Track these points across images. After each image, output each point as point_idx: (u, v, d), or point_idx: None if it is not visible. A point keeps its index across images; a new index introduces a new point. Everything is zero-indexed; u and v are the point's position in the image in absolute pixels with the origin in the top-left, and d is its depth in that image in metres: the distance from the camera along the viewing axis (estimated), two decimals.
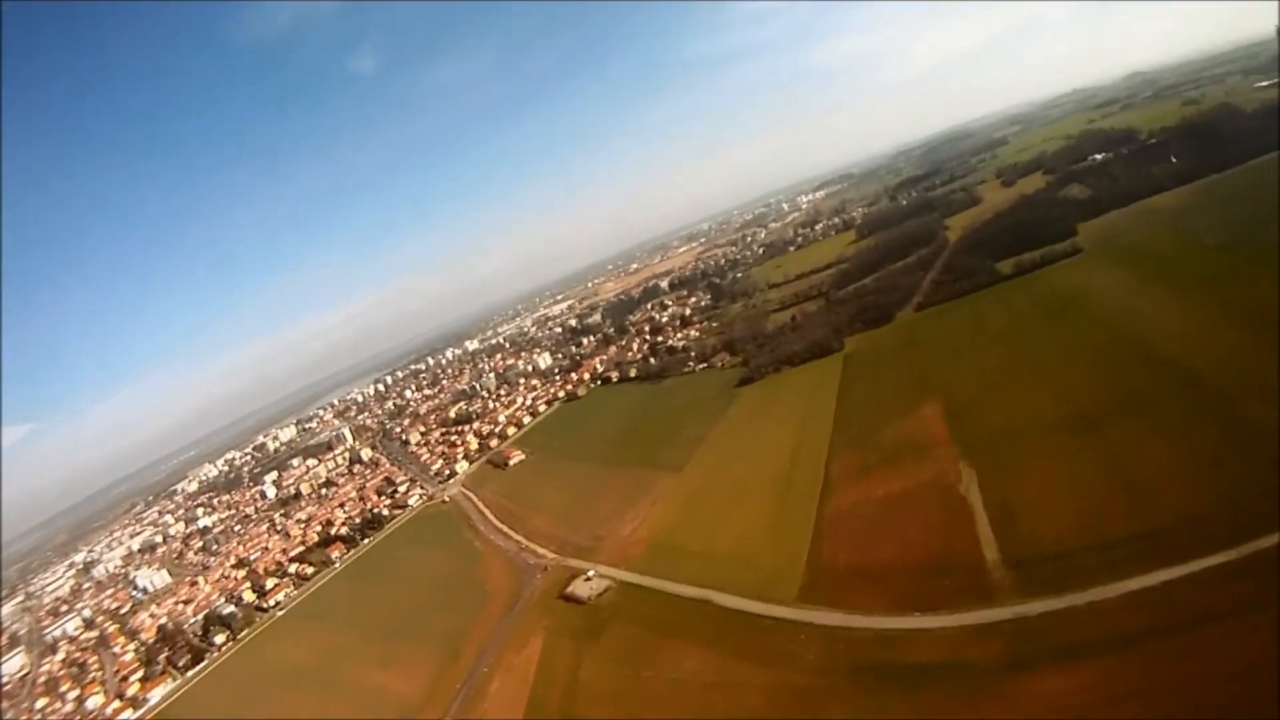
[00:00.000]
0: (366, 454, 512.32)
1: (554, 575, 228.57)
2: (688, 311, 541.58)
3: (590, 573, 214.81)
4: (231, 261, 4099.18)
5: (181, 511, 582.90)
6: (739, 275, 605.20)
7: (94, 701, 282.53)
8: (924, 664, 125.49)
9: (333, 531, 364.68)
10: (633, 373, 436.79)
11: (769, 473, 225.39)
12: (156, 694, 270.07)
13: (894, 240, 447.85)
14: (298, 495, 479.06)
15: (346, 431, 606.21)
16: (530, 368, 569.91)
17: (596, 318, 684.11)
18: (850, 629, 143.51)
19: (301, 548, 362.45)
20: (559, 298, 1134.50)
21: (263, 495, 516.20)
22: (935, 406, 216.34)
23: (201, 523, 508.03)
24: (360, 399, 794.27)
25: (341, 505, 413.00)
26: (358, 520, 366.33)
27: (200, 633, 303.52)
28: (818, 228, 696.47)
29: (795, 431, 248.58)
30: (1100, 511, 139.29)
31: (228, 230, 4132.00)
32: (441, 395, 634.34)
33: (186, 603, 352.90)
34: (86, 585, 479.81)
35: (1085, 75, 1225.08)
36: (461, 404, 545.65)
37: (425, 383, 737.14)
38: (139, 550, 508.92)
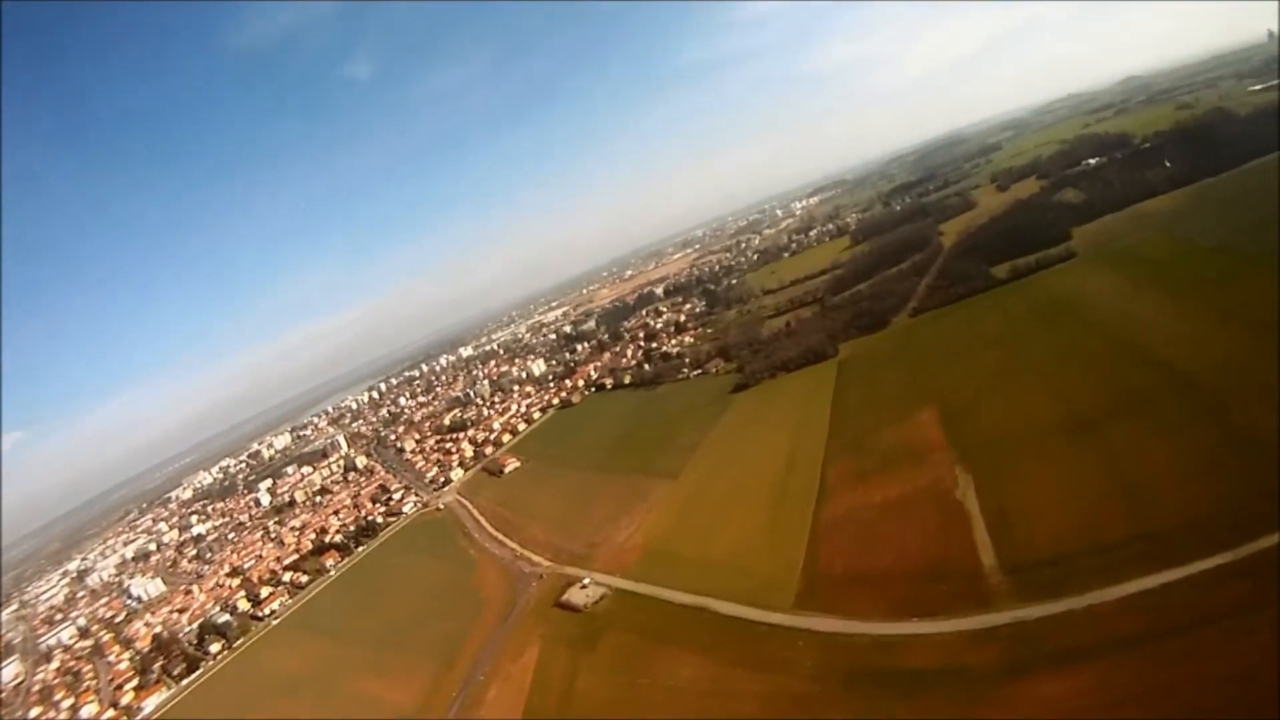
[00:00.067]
0: (361, 461, 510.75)
1: (549, 583, 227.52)
2: (682, 318, 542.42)
3: (586, 580, 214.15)
4: (226, 268, 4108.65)
5: (176, 519, 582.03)
6: (733, 281, 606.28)
7: (89, 710, 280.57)
8: (921, 670, 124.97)
9: (327, 539, 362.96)
10: (627, 379, 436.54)
11: (765, 479, 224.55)
12: (151, 703, 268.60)
13: (888, 246, 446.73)
14: (292, 503, 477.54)
15: (341, 439, 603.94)
16: (525, 374, 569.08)
17: (591, 324, 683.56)
18: (847, 635, 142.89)
19: (296, 556, 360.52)
20: (553, 304, 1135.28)
21: (257, 503, 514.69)
22: (931, 411, 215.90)
23: (196, 530, 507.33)
24: (355, 406, 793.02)
25: (336, 513, 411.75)
26: (352, 528, 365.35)
27: (195, 641, 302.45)
28: (812, 234, 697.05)
29: (791, 437, 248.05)
30: (1097, 515, 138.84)
31: (222, 236, 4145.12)
32: (436, 402, 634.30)
33: (181, 611, 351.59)
34: (81, 593, 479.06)
35: (1079, 80, 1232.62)
36: (456, 411, 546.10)
37: (420, 390, 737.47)
38: (133, 558, 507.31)
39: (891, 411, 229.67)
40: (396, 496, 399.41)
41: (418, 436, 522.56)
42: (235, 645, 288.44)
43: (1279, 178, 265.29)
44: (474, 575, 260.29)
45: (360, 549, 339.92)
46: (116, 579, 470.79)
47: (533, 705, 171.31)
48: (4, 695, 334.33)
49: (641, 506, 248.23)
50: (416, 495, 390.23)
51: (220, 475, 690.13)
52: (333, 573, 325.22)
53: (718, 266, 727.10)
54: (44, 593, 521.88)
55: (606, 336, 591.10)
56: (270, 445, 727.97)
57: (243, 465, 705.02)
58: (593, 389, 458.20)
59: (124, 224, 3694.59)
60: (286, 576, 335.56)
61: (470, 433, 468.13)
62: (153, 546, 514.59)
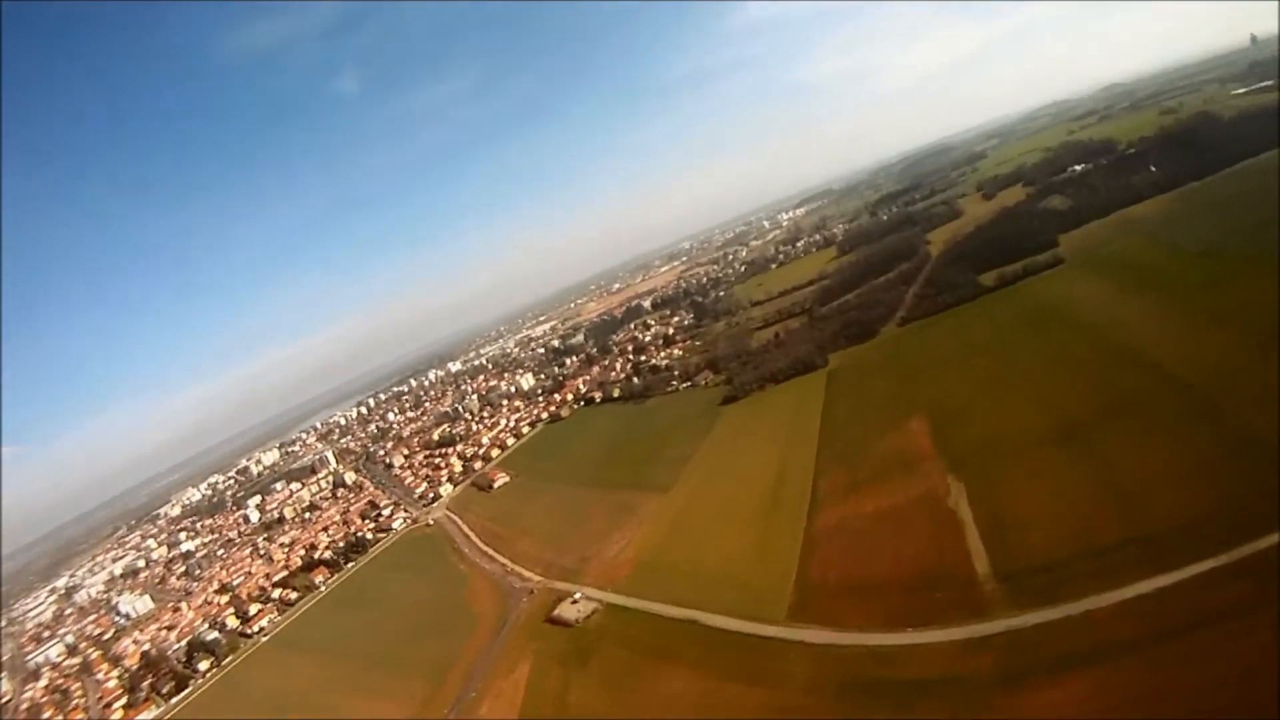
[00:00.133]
0: (350, 477, 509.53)
1: (540, 598, 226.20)
2: (670, 331, 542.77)
3: (577, 595, 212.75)
4: (214, 283, 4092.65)
5: (164, 536, 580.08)
6: (721, 293, 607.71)
7: None
8: (916, 680, 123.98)
9: (316, 556, 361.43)
10: (616, 393, 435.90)
11: (755, 491, 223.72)
12: None
13: (876, 255, 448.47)
14: (281, 519, 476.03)
15: (330, 455, 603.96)
16: (513, 389, 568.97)
17: (579, 338, 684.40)
18: (841, 646, 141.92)
19: (285, 572, 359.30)
20: (541, 318, 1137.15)
21: (246, 519, 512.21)
22: (921, 420, 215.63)
23: (184, 547, 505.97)
24: (343, 422, 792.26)
25: (325, 529, 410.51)
26: (341, 544, 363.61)
27: (184, 659, 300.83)
28: (799, 245, 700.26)
29: (781, 449, 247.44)
30: (1091, 520, 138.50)
31: (210, 251, 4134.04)
32: (425, 417, 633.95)
33: (170, 629, 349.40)
34: (69, 611, 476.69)
35: (1063, 88, 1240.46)
36: (445, 426, 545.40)
37: (408, 405, 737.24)
38: (121, 575, 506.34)
39: (881, 421, 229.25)
40: (386, 512, 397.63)
41: (406, 452, 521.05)
42: (224, 663, 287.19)
43: (1272, 178, 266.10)
44: (464, 591, 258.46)
45: (350, 565, 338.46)
46: (105, 596, 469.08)
47: None
48: None
49: (632, 520, 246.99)
50: (406, 511, 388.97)
51: (209, 492, 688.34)
52: (322, 589, 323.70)
53: (705, 279, 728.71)
54: (32, 610, 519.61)
55: (595, 350, 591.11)
56: (259, 461, 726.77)
57: (231, 481, 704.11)
58: (582, 403, 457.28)
59: (111, 239, 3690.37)
60: (275, 593, 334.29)
61: (459, 448, 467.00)
62: (141, 563, 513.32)
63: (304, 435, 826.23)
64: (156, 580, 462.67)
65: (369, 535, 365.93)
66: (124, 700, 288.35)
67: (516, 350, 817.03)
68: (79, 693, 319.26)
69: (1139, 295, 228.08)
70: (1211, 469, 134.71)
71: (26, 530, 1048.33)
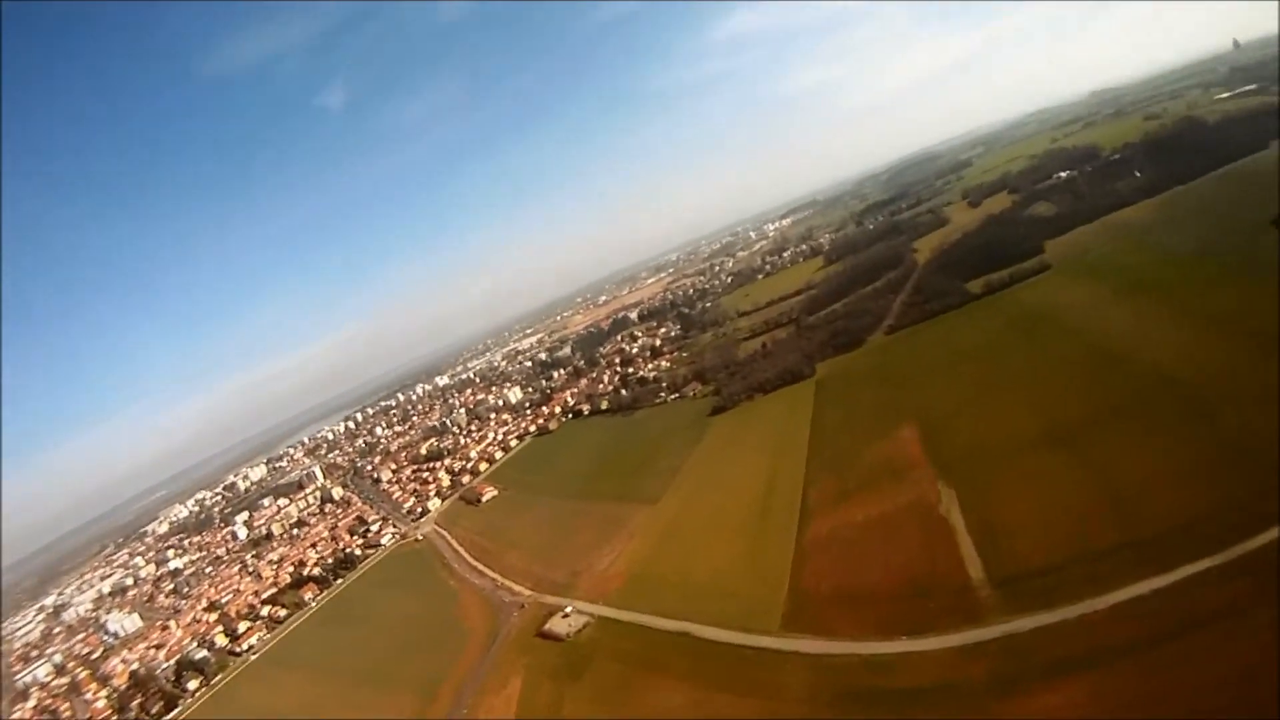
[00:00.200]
0: (338, 493, 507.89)
1: (531, 613, 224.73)
2: (658, 342, 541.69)
3: (568, 609, 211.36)
4: (200, 299, 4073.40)
5: (152, 553, 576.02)
6: (708, 304, 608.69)
7: None
8: (912, 688, 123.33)
9: (305, 572, 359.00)
10: (604, 405, 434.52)
11: (746, 501, 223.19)
12: None
13: (862, 264, 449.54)
14: (269, 536, 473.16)
15: (317, 470, 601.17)
16: (501, 402, 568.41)
17: (566, 351, 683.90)
18: (835, 656, 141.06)
19: (274, 589, 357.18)
20: (528, 331, 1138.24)
21: (234, 536, 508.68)
22: (911, 428, 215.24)
23: (172, 565, 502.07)
24: (331, 436, 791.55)
25: (314, 545, 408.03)
26: (330, 560, 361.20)
27: (173, 678, 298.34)
28: (785, 255, 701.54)
29: (770, 459, 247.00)
30: (1084, 524, 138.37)
31: (194, 267, 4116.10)
32: (412, 432, 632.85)
33: (158, 647, 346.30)
34: (57, 630, 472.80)
35: (1047, 96, 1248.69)
36: (433, 440, 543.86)
37: (396, 419, 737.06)
38: (109, 593, 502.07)
39: (871, 429, 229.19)
40: (374, 528, 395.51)
41: (394, 466, 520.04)
42: (213, 682, 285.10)
43: (1259, 181, 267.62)
44: (454, 606, 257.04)
45: (339, 581, 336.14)
46: (93, 615, 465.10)
47: None
48: None
49: (622, 533, 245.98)
50: (394, 526, 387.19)
51: (196, 508, 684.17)
52: (312, 606, 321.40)
53: (692, 290, 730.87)
54: (20, 629, 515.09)
55: (582, 362, 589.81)
56: (246, 477, 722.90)
57: (218, 498, 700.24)
58: (570, 415, 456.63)
59: (94, 255, 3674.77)
60: (264, 611, 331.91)
61: (447, 462, 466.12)
62: (129, 581, 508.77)
63: (291, 450, 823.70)
64: (145, 598, 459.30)
65: (358, 551, 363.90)
66: None
67: (504, 363, 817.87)
68: (67, 713, 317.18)
69: (1126, 299, 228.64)
70: (1204, 471, 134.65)
71: (13, 549, 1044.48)
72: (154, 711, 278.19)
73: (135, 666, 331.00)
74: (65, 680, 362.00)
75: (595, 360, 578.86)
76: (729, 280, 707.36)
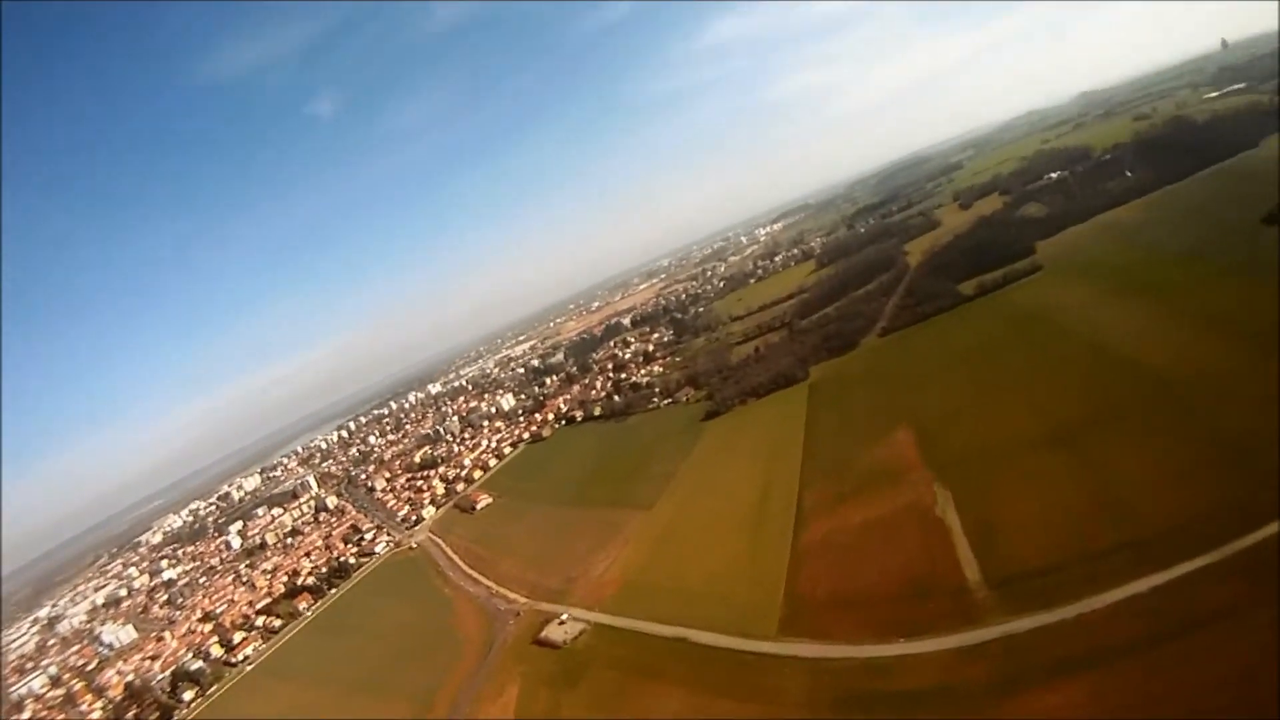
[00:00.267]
0: (332, 502, 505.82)
1: (527, 620, 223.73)
2: (650, 348, 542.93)
3: (564, 616, 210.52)
4: (192, 309, 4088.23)
5: (146, 564, 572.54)
6: (700, 309, 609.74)
7: None
8: (911, 690, 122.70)
9: (299, 582, 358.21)
10: (597, 411, 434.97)
11: (741, 506, 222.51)
12: None
13: (854, 268, 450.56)
14: (263, 545, 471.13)
15: (311, 479, 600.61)
16: (494, 410, 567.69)
17: (559, 357, 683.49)
18: (834, 660, 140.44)
19: (268, 599, 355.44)
20: (521, 338, 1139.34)
21: (228, 546, 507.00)
22: (906, 431, 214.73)
23: (166, 575, 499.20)
24: (324, 446, 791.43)
25: (308, 555, 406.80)
26: (324, 570, 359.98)
27: (168, 689, 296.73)
28: (777, 259, 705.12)
29: (765, 463, 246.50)
30: (1081, 524, 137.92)
31: (187, 276, 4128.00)
32: (406, 440, 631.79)
33: (153, 658, 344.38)
34: (51, 641, 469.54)
35: (1037, 98, 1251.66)
36: (426, 448, 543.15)
37: (389, 428, 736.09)
38: (104, 604, 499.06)
39: (865, 432, 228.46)
40: (368, 536, 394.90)
41: (388, 475, 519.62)
42: (209, 693, 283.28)
43: (1249, 179, 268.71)
44: (450, 615, 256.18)
45: (333, 591, 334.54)
46: (88, 626, 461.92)
47: None
48: None
49: (617, 539, 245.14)
50: (389, 535, 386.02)
51: (190, 518, 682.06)
52: (307, 615, 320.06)
53: (684, 295, 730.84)
54: (14, 641, 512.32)
55: (575, 369, 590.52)
56: (240, 487, 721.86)
57: (212, 508, 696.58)
58: (563, 422, 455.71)
59: (86, 266, 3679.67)
60: (259, 621, 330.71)
61: (441, 470, 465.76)
62: (123, 592, 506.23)
63: (285, 460, 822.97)
64: (139, 609, 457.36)
65: (352, 560, 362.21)
66: None
67: (496, 370, 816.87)
68: None
69: (1118, 299, 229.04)
70: (1199, 470, 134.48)
71: (7, 559, 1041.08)
72: None
73: (130, 678, 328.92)
74: (60, 692, 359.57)
75: (588, 366, 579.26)
76: (721, 285, 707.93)
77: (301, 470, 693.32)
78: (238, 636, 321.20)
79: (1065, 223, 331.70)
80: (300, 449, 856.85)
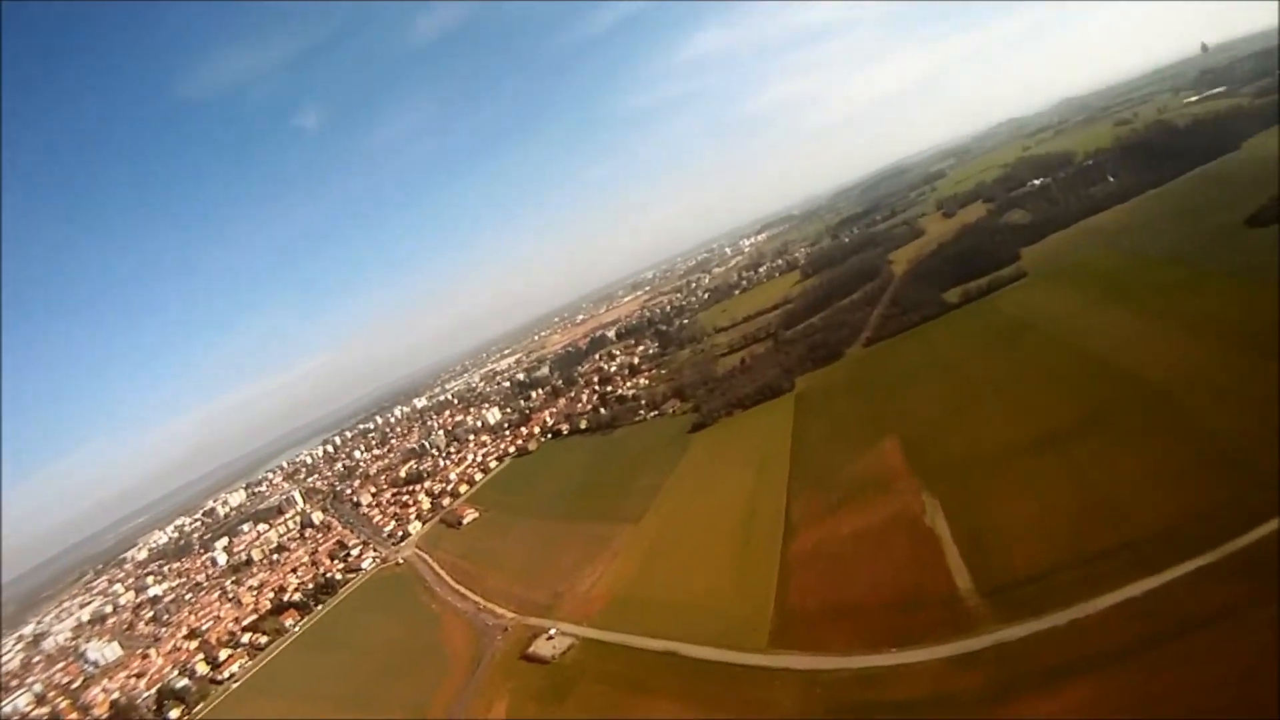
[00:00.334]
0: (318, 517, 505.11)
1: (515, 635, 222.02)
2: (636, 360, 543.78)
3: (552, 631, 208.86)
4: (177, 323, 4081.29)
5: (131, 580, 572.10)
6: (685, 321, 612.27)
7: None
8: (906, 700, 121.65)
9: (286, 598, 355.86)
10: (583, 424, 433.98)
11: (729, 518, 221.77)
12: None
13: (839, 277, 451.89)
14: (249, 561, 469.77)
15: (297, 494, 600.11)
16: (479, 423, 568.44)
17: (544, 370, 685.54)
18: (826, 671, 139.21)
19: (255, 616, 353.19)
20: (506, 351, 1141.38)
21: (213, 562, 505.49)
22: (893, 440, 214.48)
23: (152, 592, 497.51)
24: (310, 461, 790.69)
25: (294, 571, 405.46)
26: (311, 586, 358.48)
27: (154, 707, 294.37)
28: (761, 270, 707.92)
29: (753, 474, 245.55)
30: (1072, 529, 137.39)
31: (169, 294, 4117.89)
32: (391, 455, 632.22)
33: (139, 676, 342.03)
34: (37, 659, 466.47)
35: (1018, 105, 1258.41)
36: (412, 463, 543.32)
37: (374, 442, 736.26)
38: (89, 621, 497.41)
39: (852, 442, 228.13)
40: (355, 552, 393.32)
41: (374, 490, 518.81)
42: (195, 711, 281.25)
43: (1231, 182, 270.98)
44: (437, 630, 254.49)
45: (320, 607, 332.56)
46: (73, 643, 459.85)
47: None
48: None
49: (605, 553, 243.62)
50: (375, 550, 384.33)
51: (175, 534, 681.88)
52: (297, 630, 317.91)
53: (669, 307, 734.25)
54: None
55: (560, 382, 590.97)
56: (225, 503, 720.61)
57: (198, 524, 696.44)
58: (549, 435, 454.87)
59: (68, 279, 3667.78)
60: (245, 638, 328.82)
61: (427, 484, 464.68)
62: (109, 609, 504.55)
63: (270, 475, 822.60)
64: (124, 626, 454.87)
65: (339, 576, 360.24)
66: None
67: (482, 384, 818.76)
68: None
69: (1104, 304, 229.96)
70: (1192, 472, 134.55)
71: None
72: None
73: (116, 696, 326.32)
74: (46, 710, 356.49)
75: (573, 379, 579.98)
76: (706, 296, 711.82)
77: (287, 485, 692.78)
78: (224, 654, 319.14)
79: (1049, 229, 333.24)
80: (286, 464, 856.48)
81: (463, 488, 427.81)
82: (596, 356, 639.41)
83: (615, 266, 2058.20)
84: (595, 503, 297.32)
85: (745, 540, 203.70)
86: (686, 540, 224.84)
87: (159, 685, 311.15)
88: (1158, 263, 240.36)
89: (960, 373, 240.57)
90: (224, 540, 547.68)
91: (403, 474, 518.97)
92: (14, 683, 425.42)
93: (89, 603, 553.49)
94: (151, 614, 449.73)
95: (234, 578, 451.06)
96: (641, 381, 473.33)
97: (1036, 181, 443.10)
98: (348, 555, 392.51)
